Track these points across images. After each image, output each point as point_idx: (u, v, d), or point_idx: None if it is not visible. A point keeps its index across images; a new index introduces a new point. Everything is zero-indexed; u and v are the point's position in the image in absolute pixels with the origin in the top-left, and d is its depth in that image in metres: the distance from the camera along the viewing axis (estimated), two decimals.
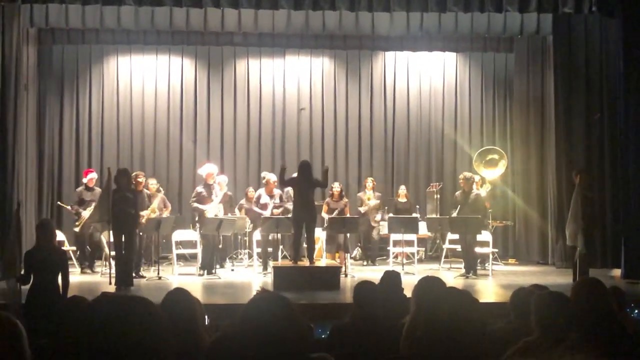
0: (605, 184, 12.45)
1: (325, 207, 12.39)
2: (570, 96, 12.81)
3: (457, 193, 11.97)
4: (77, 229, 11.86)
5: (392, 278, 5.28)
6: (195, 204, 11.73)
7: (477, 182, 12.44)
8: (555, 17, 12.69)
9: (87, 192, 12.05)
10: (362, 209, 12.94)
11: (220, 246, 12.18)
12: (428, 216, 13.19)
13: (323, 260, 11.93)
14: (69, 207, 12.41)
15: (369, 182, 13.24)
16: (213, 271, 11.25)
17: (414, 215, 12.76)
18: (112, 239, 9.93)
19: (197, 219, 12.01)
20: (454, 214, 11.57)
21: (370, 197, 13.05)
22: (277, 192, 12.25)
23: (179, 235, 12.11)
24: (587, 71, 12.80)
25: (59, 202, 12.31)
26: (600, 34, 12.71)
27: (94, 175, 12.33)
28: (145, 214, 11.09)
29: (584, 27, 12.82)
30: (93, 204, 11.41)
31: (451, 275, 11.16)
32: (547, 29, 13.04)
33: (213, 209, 11.67)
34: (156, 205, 11.65)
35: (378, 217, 13.15)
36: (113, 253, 9.98)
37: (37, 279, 6.67)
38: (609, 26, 12.34)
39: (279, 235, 11.63)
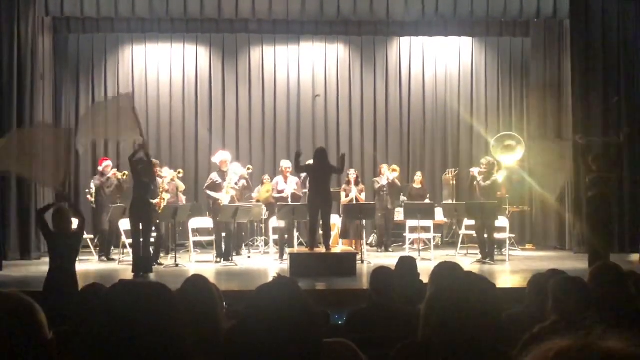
0: (623, 169, 12.33)
1: (343, 195, 12.36)
2: (587, 80, 12.68)
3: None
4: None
5: (407, 264, 5.26)
6: (209, 192, 11.80)
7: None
8: (572, 0, 12.54)
9: (102, 180, 12.14)
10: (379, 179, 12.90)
11: (239, 233, 12.18)
12: (444, 202, 13.11)
13: (339, 246, 11.93)
14: (90, 198, 12.33)
15: (385, 168, 13.16)
16: (230, 258, 11.31)
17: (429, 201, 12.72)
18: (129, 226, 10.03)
19: (211, 206, 12.07)
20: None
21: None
22: (292, 178, 12.23)
23: (195, 222, 12.16)
24: (604, 55, 12.65)
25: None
26: (617, 17, 12.57)
27: (109, 163, 12.40)
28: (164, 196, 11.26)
29: (601, 10, 12.66)
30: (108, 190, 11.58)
31: (468, 261, 11.12)
32: (564, 12, 12.88)
33: (226, 197, 11.67)
34: (166, 184, 11.70)
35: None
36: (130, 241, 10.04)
37: (53, 264, 6.75)
38: (627, 9, 12.19)
39: (295, 222, 11.65)
